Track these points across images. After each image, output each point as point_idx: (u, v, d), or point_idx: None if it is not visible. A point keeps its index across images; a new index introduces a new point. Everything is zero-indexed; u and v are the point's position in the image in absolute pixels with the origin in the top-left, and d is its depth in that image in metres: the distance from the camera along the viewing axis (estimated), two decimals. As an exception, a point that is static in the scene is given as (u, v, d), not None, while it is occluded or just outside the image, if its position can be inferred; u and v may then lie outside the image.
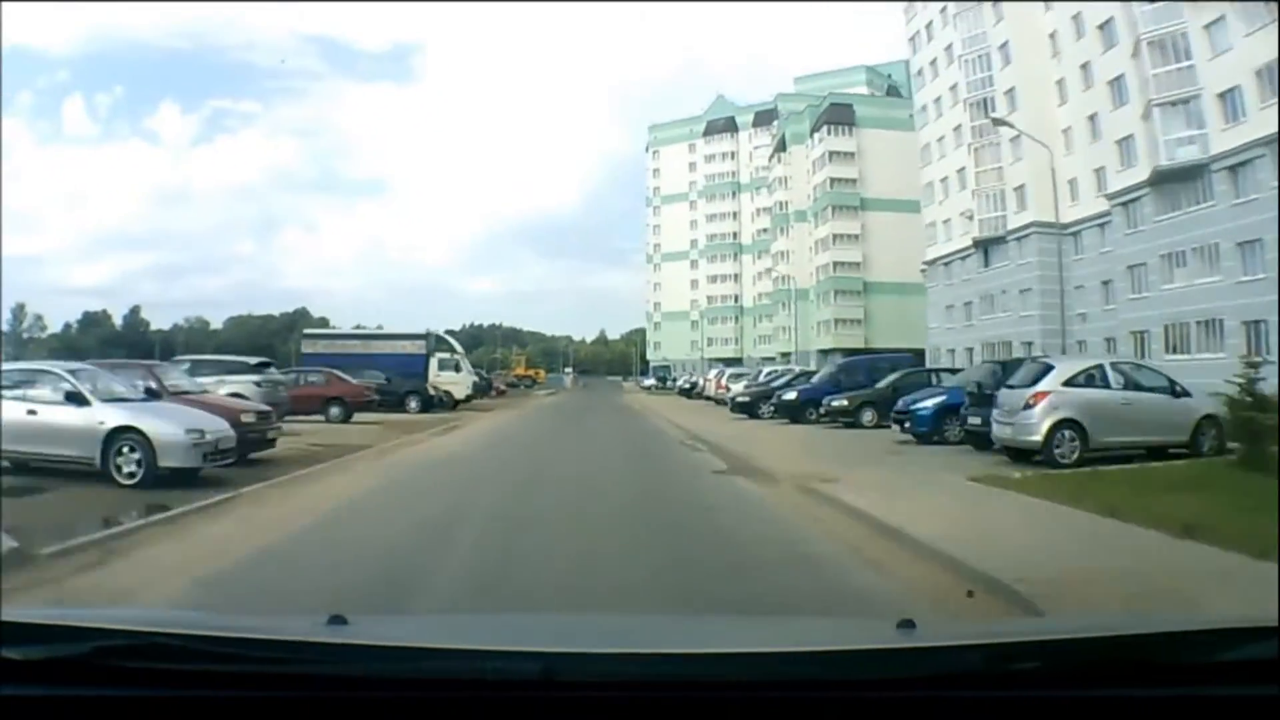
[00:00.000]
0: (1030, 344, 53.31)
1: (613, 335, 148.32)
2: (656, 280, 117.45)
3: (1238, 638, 1.63)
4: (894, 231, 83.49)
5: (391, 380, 28.76)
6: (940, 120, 64.80)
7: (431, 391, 28.80)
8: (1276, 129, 29.62)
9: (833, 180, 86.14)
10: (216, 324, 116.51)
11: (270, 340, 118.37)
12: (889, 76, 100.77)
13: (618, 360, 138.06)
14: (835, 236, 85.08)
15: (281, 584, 5.97)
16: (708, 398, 40.96)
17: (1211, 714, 1.48)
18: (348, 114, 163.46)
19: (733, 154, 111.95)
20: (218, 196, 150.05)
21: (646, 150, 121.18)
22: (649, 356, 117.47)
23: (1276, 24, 28.77)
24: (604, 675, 1.51)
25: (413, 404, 28.34)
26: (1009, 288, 55.37)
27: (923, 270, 69.12)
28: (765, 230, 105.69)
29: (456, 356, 31.71)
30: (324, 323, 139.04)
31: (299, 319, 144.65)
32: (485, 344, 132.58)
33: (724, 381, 36.85)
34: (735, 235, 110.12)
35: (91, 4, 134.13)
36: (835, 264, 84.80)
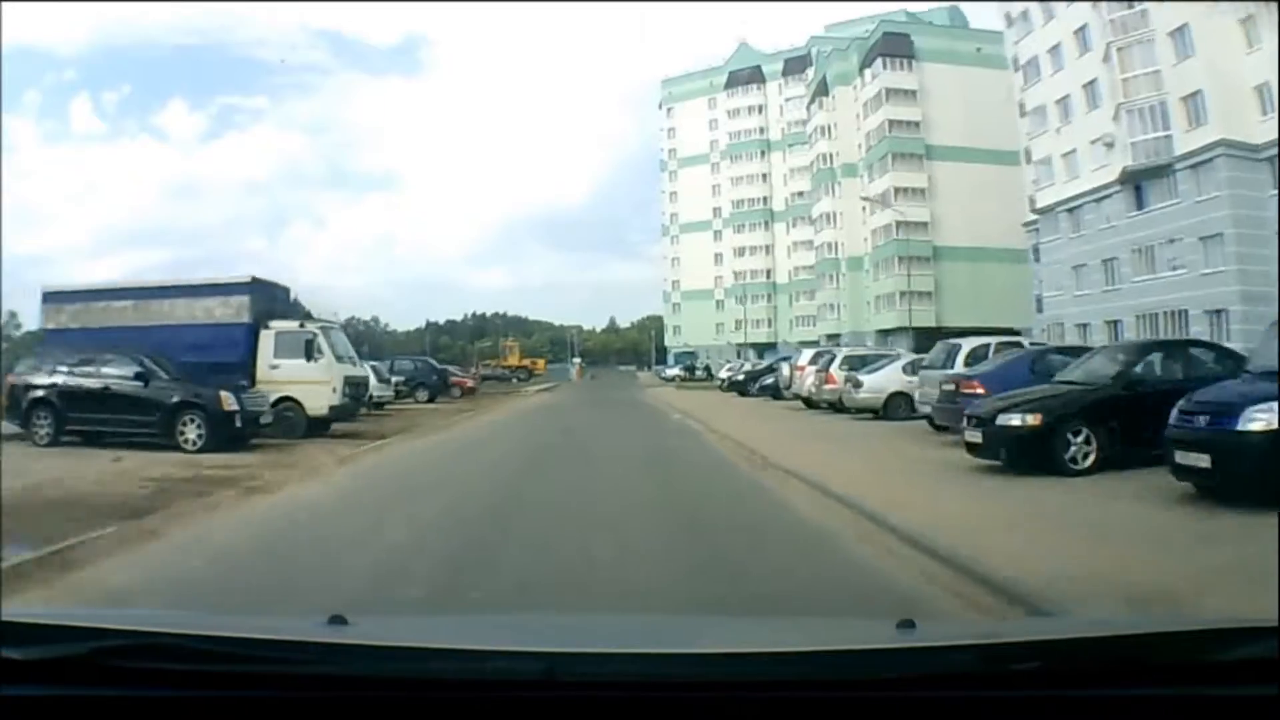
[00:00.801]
0: (1220, 312, 37.44)
1: (623, 324, 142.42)
2: (674, 255, 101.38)
3: (1237, 638, 1.61)
4: (967, 187, 68.11)
5: (150, 381, 13.28)
6: (1051, 24, 48.77)
7: (229, 406, 12.93)
8: (1277, 131, 27.62)
9: (891, 123, 70.33)
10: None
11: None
12: (930, 24, 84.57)
13: (629, 349, 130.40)
14: (897, 191, 69.11)
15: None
16: (794, 398, 24.88)
17: (1211, 714, 1.47)
18: (357, 108, 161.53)
19: (760, 107, 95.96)
20: (227, 193, 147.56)
21: (660, 108, 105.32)
22: (667, 343, 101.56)
23: (1277, 24, 27.01)
24: (605, 675, 1.50)
25: (191, 432, 12.89)
26: (1181, 234, 39.37)
27: (1031, 224, 53.37)
28: (803, 194, 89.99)
29: (312, 330, 15.22)
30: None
31: None
32: (488, 334, 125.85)
33: (836, 372, 21.07)
34: (766, 200, 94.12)
35: (98, 2, 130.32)
36: (898, 224, 68.79)
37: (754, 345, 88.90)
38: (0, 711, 1.45)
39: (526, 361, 66.98)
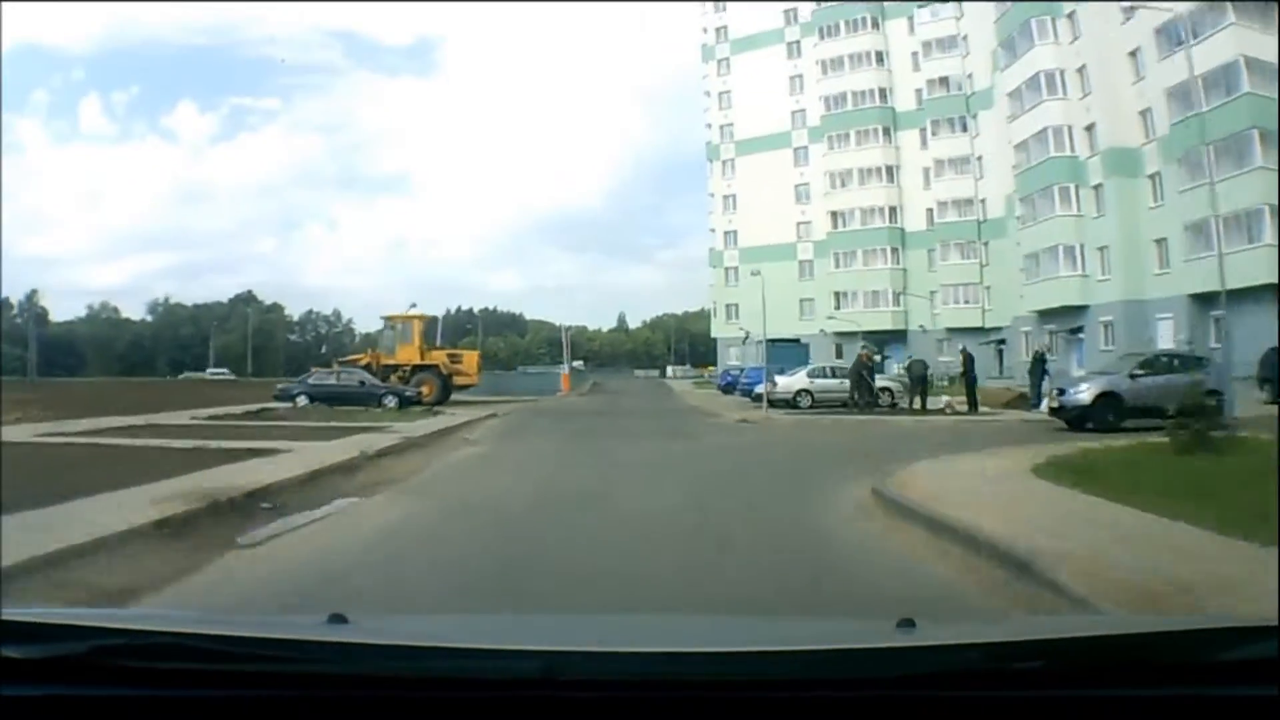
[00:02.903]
0: None
1: (634, 323, 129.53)
2: (727, 191, 63.73)
3: (1238, 638, 1.62)
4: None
5: None
6: None
7: None
8: (1276, 129, 27.20)
9: None
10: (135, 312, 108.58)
11: (207, 332, 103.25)
12: None
13: (641, 350, 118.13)
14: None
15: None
16: None
17: (1211, 714, 1.48)
18: (369, 109, 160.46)
19: (866, -46, 58.65)
20: (238, 194, 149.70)
21: (700, -29, 68.11)
22: (716, 333, 64.30)
23: (1276, 24, 25.42)
24: (604, 674, 1.50)
25: None
26: None
27: None
28: (945, 80, 53.25)
29: None
30: (277, 309, 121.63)
31: (236, 305, 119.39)
32: (474, 332, 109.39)
33: None
34: (883, 95, 56.88)
35: (108, 1, 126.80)
36: (1248, 63, 31.48)
37: (866, 335, 51.94)
38: (0, 711, 1.43)
39: (436, 357, 30.09)
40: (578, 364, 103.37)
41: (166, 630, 1.59)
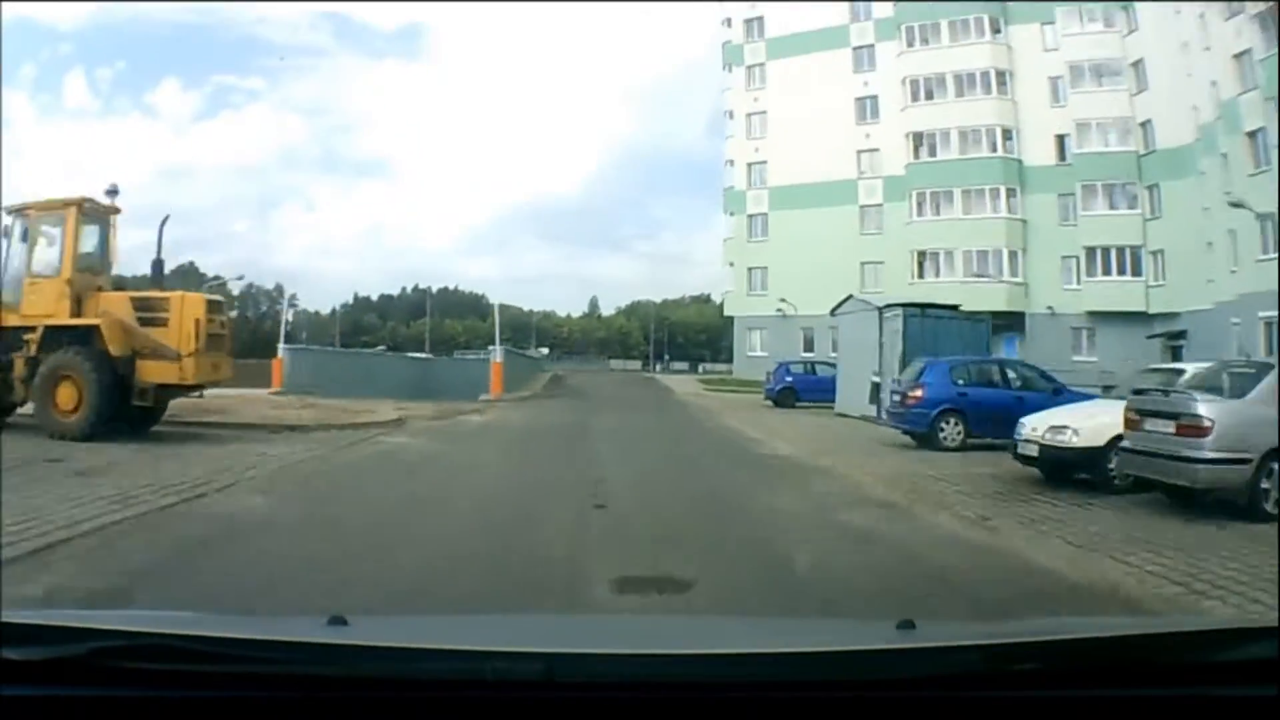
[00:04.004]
0: None
1: (607, 310, 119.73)
2: (751, 107, 45.24)
3: (1238, 638, 1.64)
4: None
5: None
6: None
7: None
8: (1277, 127, 26.38)
9: None
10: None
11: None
12: None
13: (615, 339, 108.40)
14: None
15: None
16: None
17: (1211, 714, 1.48)
18: (354, 92, 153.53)
19: None
20: (218, 172, 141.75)
21: None
22: (732, 309, 46.27)
23: (1276, 24, 25.69)
24: (605, 676, 1.52)
25: None
26: None
27: None
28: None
29: None
30: (220, 282, 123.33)
31: (171, 279, 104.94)
32: (433, 313, 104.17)
33: None
34: (988, -29, 39.09)
35: None
36: None
37: (969, 316, 34.35)
38: (0, 712, 1.44)
39: (110, 304, 12.27)
40: (541, 351, 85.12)
41: (166, 632, 1.57)
